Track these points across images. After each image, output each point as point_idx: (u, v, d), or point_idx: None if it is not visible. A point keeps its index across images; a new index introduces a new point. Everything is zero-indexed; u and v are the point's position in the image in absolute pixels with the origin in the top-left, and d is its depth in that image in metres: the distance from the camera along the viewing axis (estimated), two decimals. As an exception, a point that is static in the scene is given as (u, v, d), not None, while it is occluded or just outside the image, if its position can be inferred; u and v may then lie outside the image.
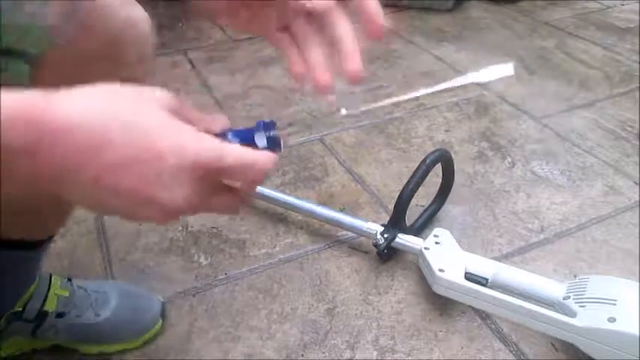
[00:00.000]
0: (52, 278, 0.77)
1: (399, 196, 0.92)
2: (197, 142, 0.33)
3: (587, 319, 0.72)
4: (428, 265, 0.85)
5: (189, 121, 0.36)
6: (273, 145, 0.40)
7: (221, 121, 0.40)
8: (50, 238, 0.72)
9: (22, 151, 0.29)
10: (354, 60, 0.38)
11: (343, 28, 0.38)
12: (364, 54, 0.39)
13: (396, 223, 0.93)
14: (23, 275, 0.73)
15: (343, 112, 0.39)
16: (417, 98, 0.37)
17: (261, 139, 0.40)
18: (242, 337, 0.84)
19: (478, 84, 0.38)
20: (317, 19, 0.39)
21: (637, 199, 1.11)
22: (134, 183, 0.32)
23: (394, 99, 0.38)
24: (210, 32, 1.89)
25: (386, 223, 0.94)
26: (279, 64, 1.63)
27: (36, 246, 0.70)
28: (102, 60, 0.51)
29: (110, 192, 0.32)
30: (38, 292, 0.74)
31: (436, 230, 0.92)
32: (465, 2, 2.08)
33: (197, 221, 1.06)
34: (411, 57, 1.69)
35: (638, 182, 1.16)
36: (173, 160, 0.32)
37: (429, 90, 0.37)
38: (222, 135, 0.40)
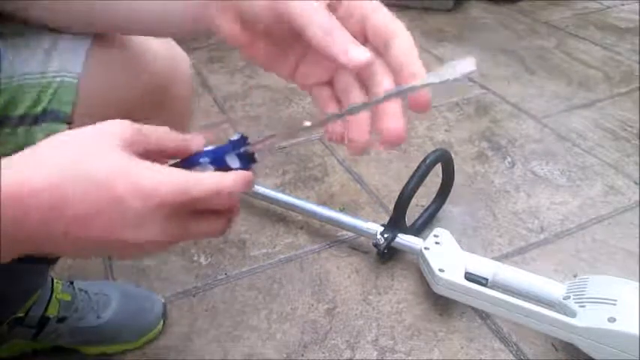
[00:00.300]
0: (54, 282, 0.77)
1: (399, 196, 0.92)
2: (156, 180, 0.33)
3: (587, 319, 0.72)
4: (428, 265, 0.85)
5: (157, 148, 0.36)
6: (246, 162, 0.38)
7: (196, 142, 0.38)
8: None
9: (10, 224, 0.31)
10: (394, 119, 0.34)
11: (385, 85, 0.35)
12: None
13: (396, 223, 0.93)
14: (30, 284, 0.73)
15: (307, 123, 0.36)
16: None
17: (232, 160, 0.38)
18: (242, 337, 0.84)
19: (454, 80, 0.35)
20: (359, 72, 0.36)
21: (637, 199, 1.11)
22: (102, 230, 0.33)
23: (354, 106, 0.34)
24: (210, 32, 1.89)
25: (386, 223, 0.94)
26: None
27: (49, 260, 0.70)
28: (145, 105, 0.51)
29: (82, 242, 0.33)
30: (41, 299, 0.74)
31: (436, 230, 0.92)
32: (465, 2, 2.08)
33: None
34: (411, 57, 1.69)
35: (638, 182, 1.16)
36: (135, 203, 0.32)
37: (385, 94, 0.33)
38: (195, 157, 0.38)
